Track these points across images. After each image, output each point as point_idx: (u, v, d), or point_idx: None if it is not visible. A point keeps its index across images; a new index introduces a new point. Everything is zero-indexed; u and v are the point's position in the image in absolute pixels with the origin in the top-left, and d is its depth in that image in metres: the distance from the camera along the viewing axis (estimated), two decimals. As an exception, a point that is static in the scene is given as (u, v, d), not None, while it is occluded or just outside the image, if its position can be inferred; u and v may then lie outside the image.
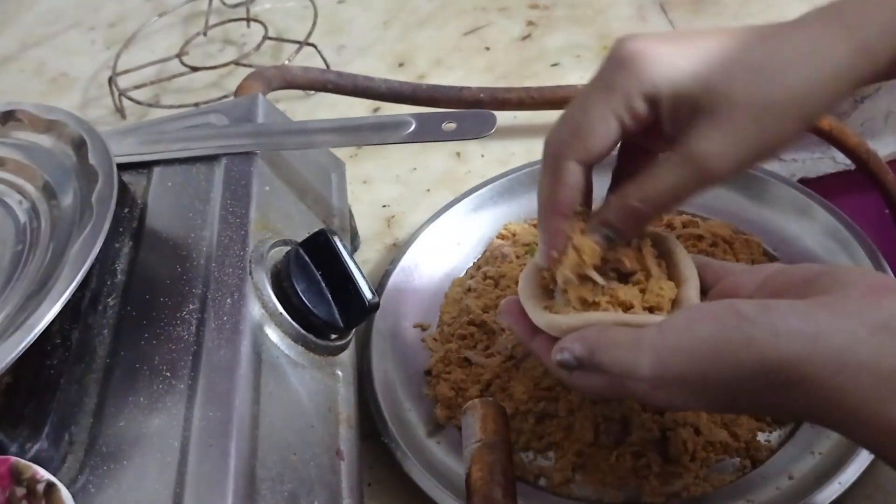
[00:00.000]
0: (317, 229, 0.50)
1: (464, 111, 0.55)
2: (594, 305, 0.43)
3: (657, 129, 0.41)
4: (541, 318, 0.44)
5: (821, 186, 0.90)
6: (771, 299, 0.37)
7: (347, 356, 0.51)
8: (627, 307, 0.43)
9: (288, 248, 0.50)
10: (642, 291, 0.43)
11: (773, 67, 0.38)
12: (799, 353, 0.33)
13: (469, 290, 0.60)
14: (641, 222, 0.43)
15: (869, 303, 0.34)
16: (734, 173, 0.40)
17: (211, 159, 0.54)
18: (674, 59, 0.40)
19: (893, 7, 0.38)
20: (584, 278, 0.43)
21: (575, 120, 0.42)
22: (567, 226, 0.43)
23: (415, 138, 0.53)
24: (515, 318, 0.46)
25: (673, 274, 0.45)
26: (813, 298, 0.36)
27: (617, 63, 0.40)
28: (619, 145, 0.44)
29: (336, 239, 0.49)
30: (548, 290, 0.46)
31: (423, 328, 0.60)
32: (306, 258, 0.48)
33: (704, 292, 0.44)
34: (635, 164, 0.45)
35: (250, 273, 0.47)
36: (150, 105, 0.87)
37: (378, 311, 0.58)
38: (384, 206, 0.72)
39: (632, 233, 0.43)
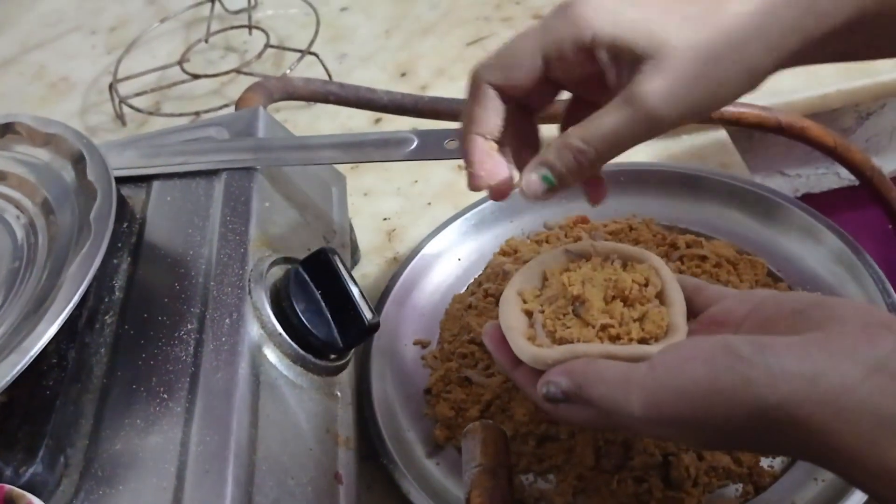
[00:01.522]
0: (317, 247, 0.49)
1: (467, 129, 0.55)
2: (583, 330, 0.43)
3: (603, 83, 0.41)
4: (525, 351, 0.43)
5: (825, 202, 0.90)
6: (765, 336, 0.36)
7: (346, 376, 0.50)
8: (614, 338, 0.42)
9: (288, 266, 0.49)
10: (637, 320, 0.43)
11: (716, 15, 0.39)
12: (796, 395, 0.33)
13: (470, 306, 0.59)
14: (583, 165, 0.41)
15: (864, 341, 0.34)
16: (676, 117, 0.39)
17: (211, 174, 0.54)
18: (617, 8, 0.40)
19: None
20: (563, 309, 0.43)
21: (504, 49, 0.43)
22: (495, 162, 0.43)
23: (417, 156, 0.53)
24: (497, 345, 0.45)
25: (659, 296, 0.44)
26: (807, 335, 0.35)
27: (560, 8, 0.41)
28: (570, 100, 0.45)
29: (336, 258, 0.48)
30: (529, 315, 0.45)
31: (424, 345, 0.59)
32: (306, 277, 0.48)
33: (694, 314, 0.44)
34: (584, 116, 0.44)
35: (249, 292, 0.46)
36: (150, 113, 0.87)
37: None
38: (385, 219, 0.71)
39: (573, 177, 0.42)
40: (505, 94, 0.43)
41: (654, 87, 0.39)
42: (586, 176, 0.42)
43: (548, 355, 0.41)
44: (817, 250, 0.56)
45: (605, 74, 0.41)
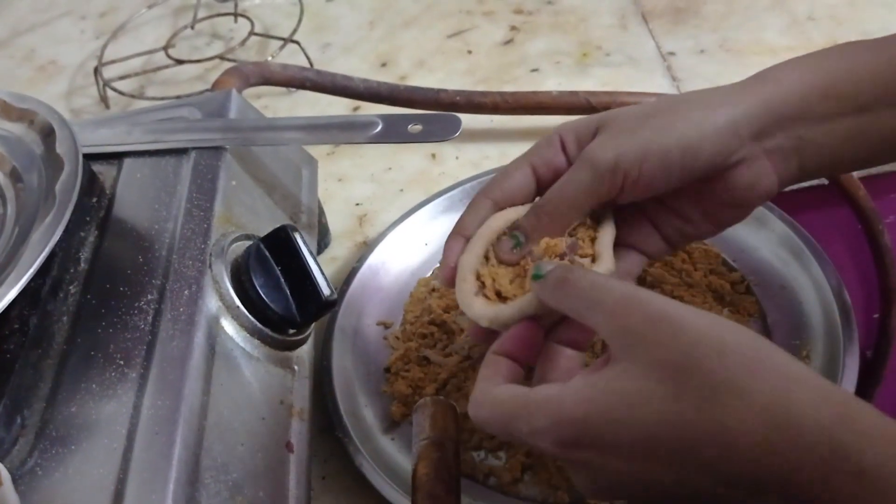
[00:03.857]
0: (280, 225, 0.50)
1: (430, 113, 0.56)
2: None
3: None
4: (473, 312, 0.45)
5: (794, 201, 0.91)
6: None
7: (306, 351, 0.51)
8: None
9: (250, 242, 0.50)
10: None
11: (669, 101, 0.46)
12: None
13: (433, 290, 0.61)
14: (545, 221, 0.45)
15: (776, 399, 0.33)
16: (611, 159, 0.43)
17: (180, 152, 0.55)
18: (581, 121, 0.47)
19: (804, 68, 0.44)
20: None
21: (501, 171, 0.48)
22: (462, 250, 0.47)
23: (381, 139, 0.54)
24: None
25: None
26: (712, 389, 0.33)
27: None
28: None
29: (297, 235, 0.50)
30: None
31: (387, 326, 0.60)
32: (266, 253, 0.49)
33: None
34: None
35: (210, 266, 0.48)
36: (133, 96, 0.88)
37: (342, 308, 0.60)
38: (357, 204, 0.72)
39: (537, 232, 0.46)
40: (497, 204, 0.48)
41: (593, 142, 0.45)
42: (550, 230, 0.46)
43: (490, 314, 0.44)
44: (768, 238, 0.57)
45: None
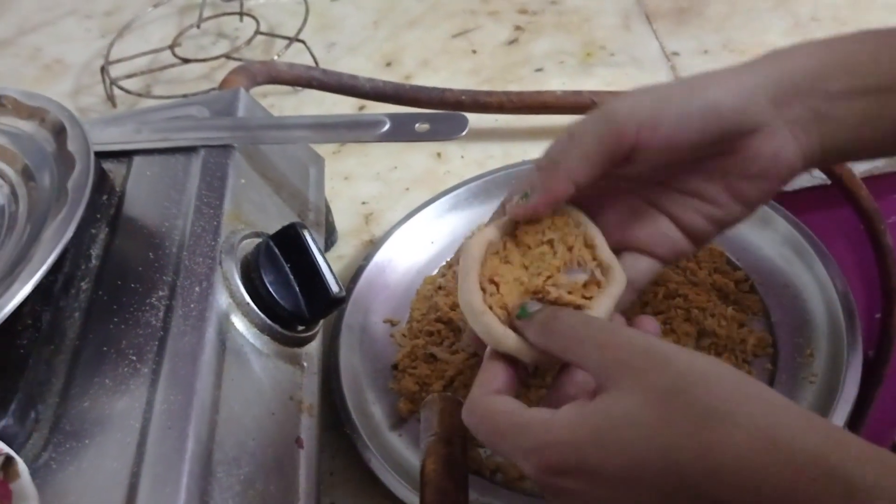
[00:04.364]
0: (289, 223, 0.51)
1: (437, 112, 0.57)
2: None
3: None
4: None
5: (797, 200, 0.91)
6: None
7: (314, 347, 0.52)
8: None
9: (259, 239, 0.51)
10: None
11: (685, 78, 0.44)
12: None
13: (440, 287, 0.61)
14: (555, 171, 0.42)
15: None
16: (626, 113, 0.41)
17: (190, 150, 0.55)
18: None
19: (821, 46, 0.43)
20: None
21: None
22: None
23: (388, 138, 0.54)
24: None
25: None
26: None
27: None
28: None
29: (306, 233, 0.50)
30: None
31: (393, 323, 0.61)
32: (276, 251, 0.50)
33: None
34: None
35: (220, 263, 0.48)
36: (140, 95, 0.88)
37: (349, 305, 0.60)
38: (363, 202, 0.73)
39: (547, 182, 0.42)
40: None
41: (617, 100, 0.42)
42: (559, 189, 0.42)
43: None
44: (773, 238, 0.58)
45: None
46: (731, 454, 0.32)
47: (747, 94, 0.41)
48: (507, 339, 0.41)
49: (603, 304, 0.42)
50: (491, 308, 0.42)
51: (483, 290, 0.43)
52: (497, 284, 0.43)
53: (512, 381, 0.41)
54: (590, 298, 0.43)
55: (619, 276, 0.43)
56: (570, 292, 0.43)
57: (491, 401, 0.40)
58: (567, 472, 0.35)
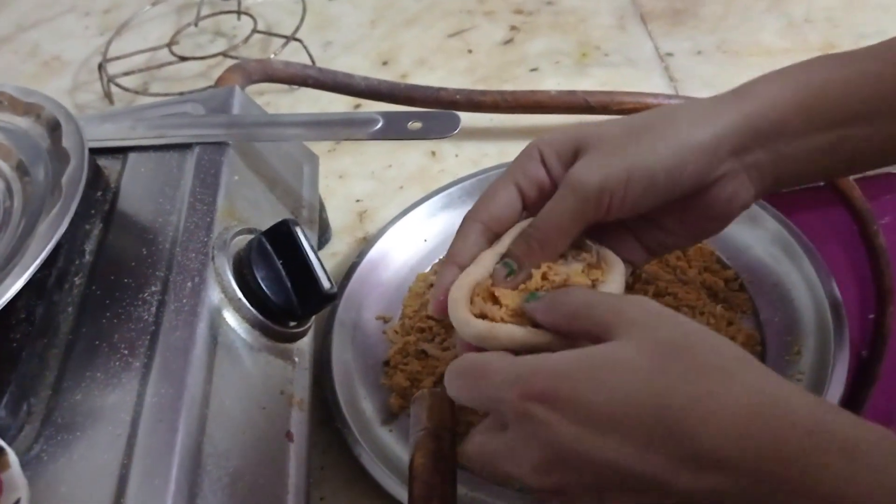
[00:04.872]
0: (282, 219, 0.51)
1: (429, 111, 0.57)
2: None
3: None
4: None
5: (790, 201, 0.92)
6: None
7: (306, 343, 0.52)
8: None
9: (252, 236, 0.51)
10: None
11: (649, 118, 0.45)
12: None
13: (432, 285, 0.62)
14: (534, 247, 0.45)
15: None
16: (597, 182, 0.43)
17: (184, 147, 0.56)
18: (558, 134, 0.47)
19: (781, 83, 0.44)
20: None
21: (486, 191, 0.48)
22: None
23: (381, 135, 0.55)
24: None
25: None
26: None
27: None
28: None
29: (298, 229, 0.50)
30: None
31: (385, 320, 0.61)
32: (268, 247, 0.50)
33: None
34: None
35: (212, 258, 0.49)
36: (137, 92, 0.89)
37: (342, 302, 0.60)
38: (357, 200, 0.73)
39: (527, 259, 0.45)
40: (488, 228, 0.47)
41: (577, 164, 0.44)
42: (541, 257, 0.45)
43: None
44: (762, 237, 0.58)
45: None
46: (727, 403, 0.33)
47: (711, 151, 0.43)
48: (514, 331, 0.42)
49: (615, 281, 0.44)
50: (503, 319, 0.43)
51: (484, 315, 0.44)
52: (498, 299, 0.44)
53: None
54: (595, 281, 0.44)
55: (617, 260, 0.45)
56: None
57: (477, 353, 0.41)
58: (550, 400, 0.35)
